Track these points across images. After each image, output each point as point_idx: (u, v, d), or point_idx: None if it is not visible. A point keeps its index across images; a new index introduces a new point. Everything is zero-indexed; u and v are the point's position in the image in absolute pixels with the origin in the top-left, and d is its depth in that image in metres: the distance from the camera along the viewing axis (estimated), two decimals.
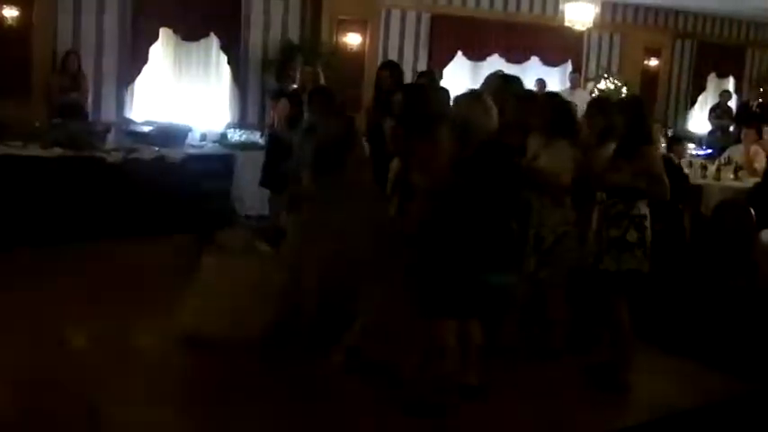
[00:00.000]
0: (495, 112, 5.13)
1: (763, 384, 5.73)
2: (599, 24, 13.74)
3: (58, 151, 8.75)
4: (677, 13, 16.19)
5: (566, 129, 5.65)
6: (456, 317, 4.96)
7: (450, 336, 4.94)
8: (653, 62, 16.08)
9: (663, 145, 11.76)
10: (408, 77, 13.02)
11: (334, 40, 12.21)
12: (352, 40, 12.41)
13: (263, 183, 8.51)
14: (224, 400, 5.03)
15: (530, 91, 7.30)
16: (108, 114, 10.80)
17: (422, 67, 13.38)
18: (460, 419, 5.00)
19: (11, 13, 10.16)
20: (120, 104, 11.00)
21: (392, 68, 7.61)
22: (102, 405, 4.90)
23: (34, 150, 8.71)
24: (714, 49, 17.00)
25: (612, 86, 14.82)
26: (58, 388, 5.01)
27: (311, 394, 5.25)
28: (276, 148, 7.94)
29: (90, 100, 10.55)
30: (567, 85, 14.25)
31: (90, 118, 10.28)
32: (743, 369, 5.86)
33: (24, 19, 10.23)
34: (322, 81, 9.68)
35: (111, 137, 9.71)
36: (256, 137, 10.49)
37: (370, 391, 5.26)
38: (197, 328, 5.69)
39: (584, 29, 12.78)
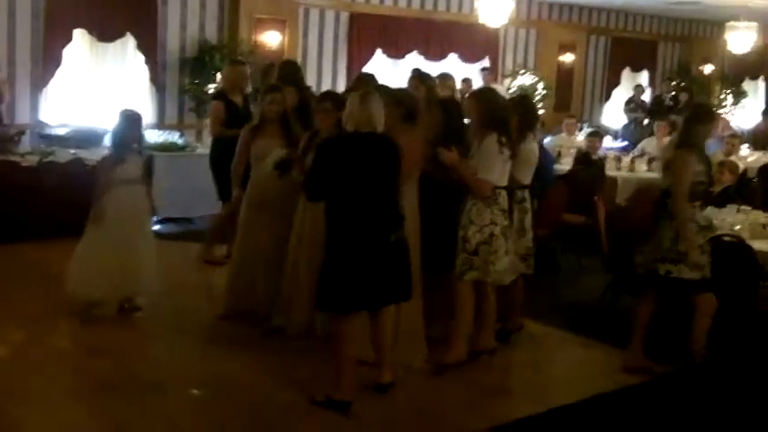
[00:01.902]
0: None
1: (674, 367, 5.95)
2: (515, 21, 13.98)
3: None
4: (591, 9, 16.55)
5: (495, 124, 5.73)
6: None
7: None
8: (568, 57, 16.40)
9: (579, 139, 12.04)
10: (329, 77, 13.16)
11: (253, 39, 12.17)
12: (271, 38, 12.39)
13: (224, 196, 7.96)
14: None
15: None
16: (22, 117, 10.58)
17: (341, 65, 13.45)
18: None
19: None
20: (35, 107, 10.78)
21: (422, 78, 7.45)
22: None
23: None
24: (627, 44, 17.43)
25: (529, 82, 15.09)
26: None
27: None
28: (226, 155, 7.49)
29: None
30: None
31: (4, 120, 10.07)
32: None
33: None
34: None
35: (25, 140, 9.55)
36: (175, 137, 10.40)
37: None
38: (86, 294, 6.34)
39: (498, 26, 12.97)
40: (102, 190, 6.43)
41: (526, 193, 6.18)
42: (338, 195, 4.99)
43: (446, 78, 9.01)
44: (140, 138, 6.78)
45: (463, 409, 5.28)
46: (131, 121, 6.58)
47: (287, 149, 6.27)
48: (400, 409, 5.22)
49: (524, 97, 7.83)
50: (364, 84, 6.91)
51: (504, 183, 5.75)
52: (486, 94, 6.19)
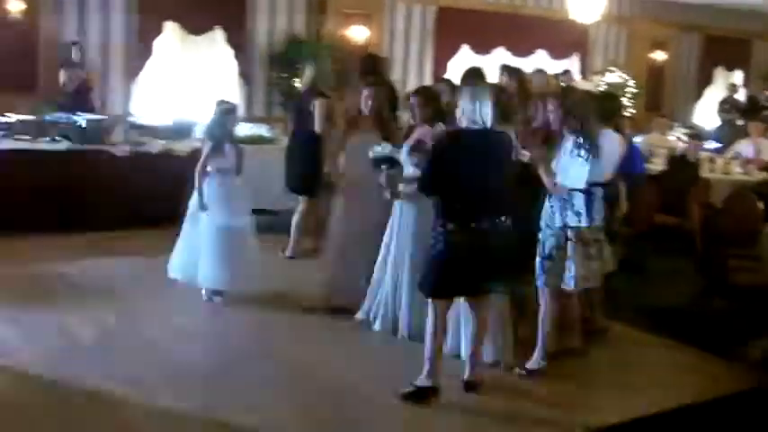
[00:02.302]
0: None
1: None
2: (605, 17, 13.70)
3: (65, 144, 8.77)
4: (683, 5, 16.14)
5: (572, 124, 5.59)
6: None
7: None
8: (659, 55, 16.04)
9: (671, 138, 11.78)
10: (414, 72, 13.11)
11: (340, 33, 12.19)
12: (358, 33, 12.39)
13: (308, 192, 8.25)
14: None
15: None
16: (114, 108, 10.79)
17: (427, 60, 13.40)
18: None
19: (17, 6, 10.17)
20: (126, 98, 11.00)
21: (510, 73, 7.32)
22: None
23: (42, 144, 8.73)
24: (720, 42, 16.94)
25: (618, 80, 14.80)
26: None
27: None
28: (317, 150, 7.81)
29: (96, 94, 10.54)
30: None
31: (97, 112, 10.27)
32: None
33: (30, 12, 10.24)
34: None
35: (117, 130, 9.71)
36: (263, 130, 10.48)
37: None
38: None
39: (590, 23, 12.74)
40: (200, 180, 6.56)
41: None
42: (450, 187, 5.03)
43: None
44: (233, 129, 6.91)
45: (548, 407, 5.20)
46: (227, 112, 6.70)
47: (388, 145, 6.24)
48: (485, 406, 5.15)
49: (591, 93, 7.56)
50: (475, 78, 6.83)
51: (581, 185, 5.59)
52: (566, 92, 6.10)
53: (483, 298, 5.31)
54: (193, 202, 6.68)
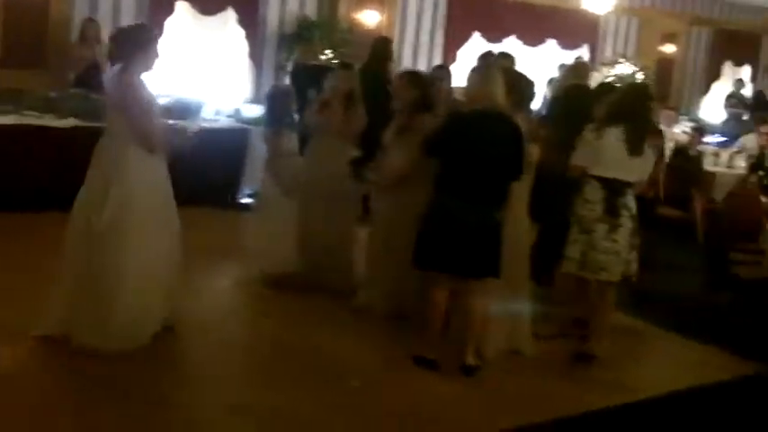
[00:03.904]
0: None
1: None
2: (617, 8, 13.70)
3: (72, 122, 8.79)
4: None
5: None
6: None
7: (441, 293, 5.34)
8: (669, 48, 16.02)
9: (678, 131, 11.79)
10: (425, 57, 13.10)
11: (352, 17, 12.20)
12: (370, 18, 12.40)
13: None
14: None
15: None
16: None
17: (438, 47, 13.40)
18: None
19: None
20: None
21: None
22: None
23: (50, 121, 8.76)
24: (730, 36, 16.91)
25: (628, 71, 14.79)
26: None
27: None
28: None
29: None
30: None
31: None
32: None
33: None
34: None
35: None
36: None
37: None
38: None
39: (603, 13, 12.74)
40: (269, 165, 6.79)
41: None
42: (450, 163, 5.17)
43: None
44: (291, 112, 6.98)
45: (550, 397, 5.25)
46: (279, 95, 6.90)
47: (360, 150, 6.40)
48: (484, 392, 5.23)
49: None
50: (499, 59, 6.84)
51: (600, 173, 5.64)
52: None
53: (470, 282, 5.36)
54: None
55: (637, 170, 5.67)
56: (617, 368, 5.81)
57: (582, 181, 5.69)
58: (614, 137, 5.55)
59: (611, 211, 5.60)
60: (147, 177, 5.23)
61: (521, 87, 5.69)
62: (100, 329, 5.04)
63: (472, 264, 5.25)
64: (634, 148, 5.55)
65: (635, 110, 5.63)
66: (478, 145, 5.13)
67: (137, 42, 5.31)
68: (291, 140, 6.85)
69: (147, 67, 5.34)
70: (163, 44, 10.65)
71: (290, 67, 11.38)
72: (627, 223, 5.63)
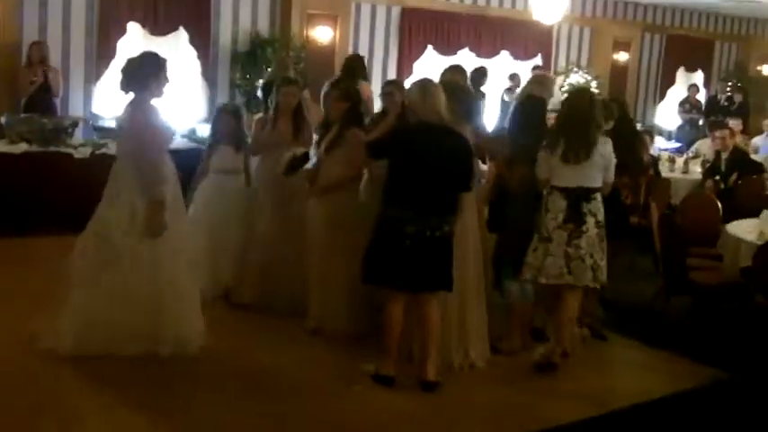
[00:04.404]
0: None
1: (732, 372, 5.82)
2: (569, 17, 13.81)
3: (24, 147, 8.66)
4: (646, 6, 16.30)
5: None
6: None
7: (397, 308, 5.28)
8: (622, 56, 16.17)
9: None
10: (379, 73, 13.10)
11: (305, 34, 12.17)
12: (323, 34, 12.38)
13: None
14: None
15: None
16: (76, 110, 10.70)
17: (392, 61, 13.40)
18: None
19: None
20: (88, 100, 10.92)
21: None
22: None
23: (1, 146, 8.62)
24: (683, 43, 17.12)
25: (582, 80, 14.90)
26: None
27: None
28: None
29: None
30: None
31: (57, 113, 10.18)
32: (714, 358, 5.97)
33: None
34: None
35: (78, 132, 9.63)
36: None
37: None
38: None
39: (553, 23, 12.82)
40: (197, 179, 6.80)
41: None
42: (397, 176, 5.18)
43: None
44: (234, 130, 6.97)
45: (513, 411, 5.22)
46: (218, 112, 7.12)
47: (299, 150, 6.37)
48: (445, 408, 5.18)
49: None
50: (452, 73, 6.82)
51: (561, 183, 5.66)
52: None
53: (423, 296, 5.31)
54: None
55: (597, 175, 5.69)
56: (579, 378, 5.78)
57: (546, 192, 5.71)
58: (562, 148, 5.59)
59: (574, 218, 5.63)
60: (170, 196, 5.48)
61: (462, 100, 5.71)
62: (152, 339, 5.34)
63: (423, 277, 5.21)
64: (577, 155, 5.58)
65: (574, 119, 5.65)
66: (424, 157, 5.13)
67: (149, 72, 5.44)
68: (225, 158, 6.79)
69: (159, 95, 5.49)
70: (114, 66, 10.81)
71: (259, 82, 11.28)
72: (592, 229, 5.65)
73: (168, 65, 5.59)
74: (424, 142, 5.17)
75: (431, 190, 5.14)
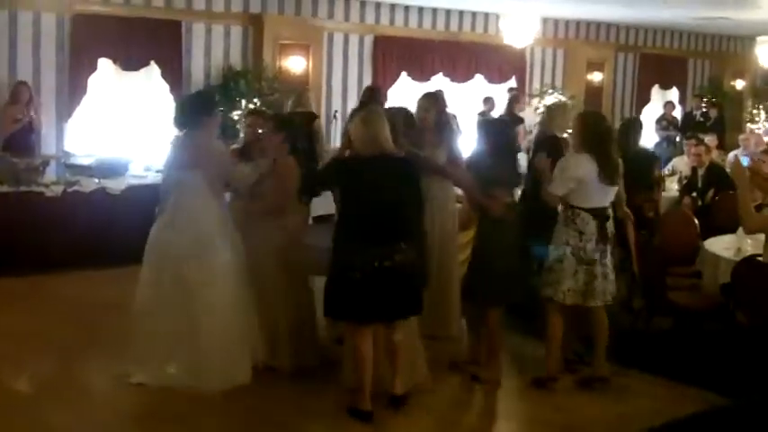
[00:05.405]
0: None
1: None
2: (541, 40, 13.85)
3: None
4: (618, 26, 16.38)
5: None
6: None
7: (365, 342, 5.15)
8: (596, 76, 16.22)
9: None
10: (354, 101, 13.05)
11: (277, 64, 12.14)
12: (295, 64, 12.34)
13: None
14: None
15: None
16: (47, 147, 10.59)
17: None
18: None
19: None
20: (60, 137, 10.82)
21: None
22: None
23: None
24: (656, 61, 17.20)
25: (557, 101, 14.89)
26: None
27: None
28: None
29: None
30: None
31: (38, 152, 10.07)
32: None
33: None
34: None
35: (50, 170, 9.54)
36: None
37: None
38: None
39: (524, 47, 12.86)
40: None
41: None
42: (345, 210, 5.20)
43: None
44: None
45: None
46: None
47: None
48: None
49: None
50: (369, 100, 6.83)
51: (589, 204, 5.67)
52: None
53: (390, 324, 5.25)
54: None
55: (612, 193, 5.80)
56: (563, 406, 5.70)
57: (570, 214, 5.68)
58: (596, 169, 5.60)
59: (603, 239, 5.70)
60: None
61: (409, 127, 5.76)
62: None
63: (394, 307, 5.13)
64: (612, 176, 5.67)
65: (600, 138, 5.69)
66: (365, 188, 5.05)
67: (204, 109, 5.77)
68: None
69: (216, 128, 5.88)
70: (87, 103, 10.74)
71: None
72: (611, 246, 5.78)
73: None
74: (365, 173, 5.10)
75: (376, 221, 5.04)
